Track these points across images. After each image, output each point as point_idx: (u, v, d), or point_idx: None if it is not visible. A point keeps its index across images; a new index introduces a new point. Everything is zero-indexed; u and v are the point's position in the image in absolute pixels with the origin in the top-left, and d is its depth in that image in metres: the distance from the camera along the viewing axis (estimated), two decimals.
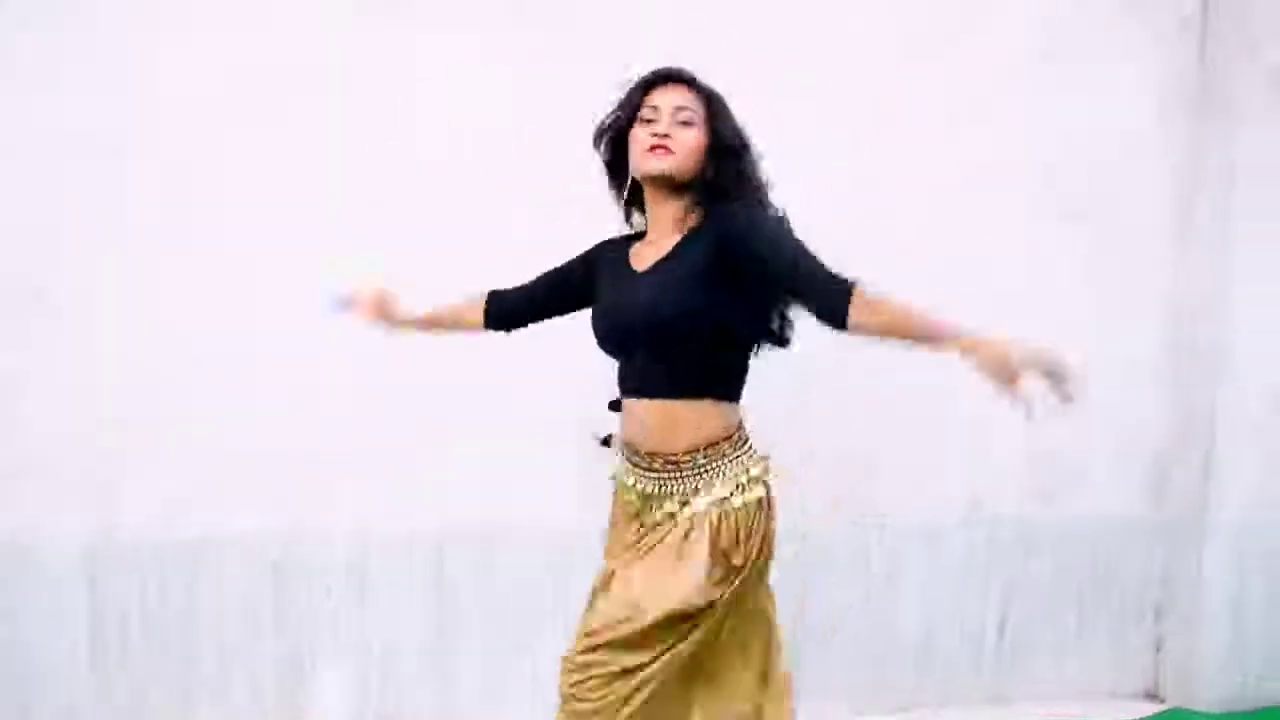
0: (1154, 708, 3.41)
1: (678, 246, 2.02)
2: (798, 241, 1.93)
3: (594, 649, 1.95)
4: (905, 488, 3.30)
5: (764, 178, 2.11)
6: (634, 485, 2.08)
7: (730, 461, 2.01)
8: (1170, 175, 3.39)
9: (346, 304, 2.38)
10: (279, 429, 3.00)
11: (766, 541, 2.05)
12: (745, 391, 2.14)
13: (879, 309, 1.77)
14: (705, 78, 2.14)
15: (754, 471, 2.03)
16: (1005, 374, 1.65)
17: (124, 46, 2.88)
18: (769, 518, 2.04)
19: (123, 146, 2.89)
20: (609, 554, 2.17)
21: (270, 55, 2.94)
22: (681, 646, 1.94)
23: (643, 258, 2.09)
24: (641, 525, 2.08)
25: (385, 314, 2.38)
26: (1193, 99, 3.36)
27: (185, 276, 2.95)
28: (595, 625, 1.98)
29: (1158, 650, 3.53)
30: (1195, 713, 3.35)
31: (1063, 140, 3.31)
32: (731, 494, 2.00)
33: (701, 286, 1.96)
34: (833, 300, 1.78)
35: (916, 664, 3.38)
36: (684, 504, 2.02)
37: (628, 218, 2.21)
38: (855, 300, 1.76)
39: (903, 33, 3.20)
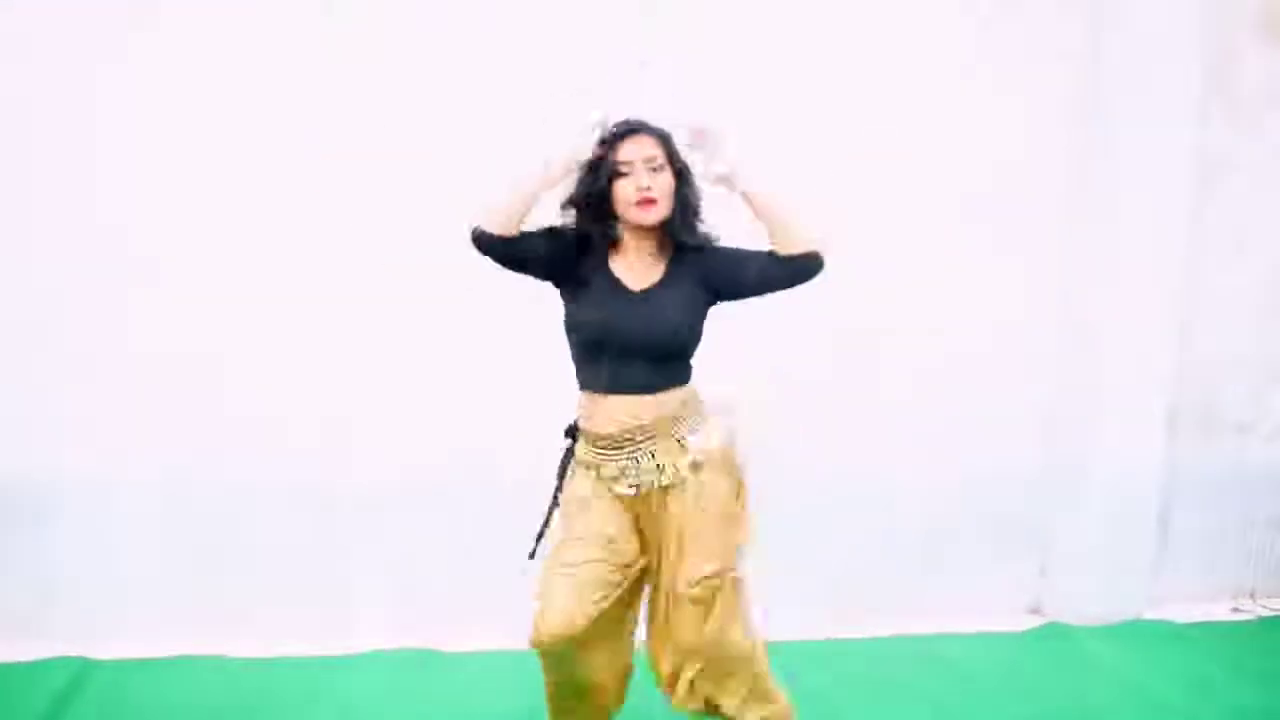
0: (1038, 620, 3.80)
1: (668, 274, 2.39)
2: (750, 250, 2.43)
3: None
4: (830, 441, 3.66)
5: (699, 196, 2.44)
6: (620, 469, 2.40)
7: (696, 424, 2.42)
8: (1060, 185, 3.66)
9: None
10: (323, 386, 3.41)
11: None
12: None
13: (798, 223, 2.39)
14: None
15: (716, 431, 2.45)
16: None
17: (182, 57, 3.24)
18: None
19: (191, 141, 3.26)
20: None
21: (308, 58, 3.28)
22: None
23: (632, 276, 2.39)
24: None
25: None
26: (1079, 120, 3.61)
27: (243, 253, 3.34)
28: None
29: (1041, 574, 3.88)
30: (1070, 624, 3.73)
31: (969, 149, 3.58)
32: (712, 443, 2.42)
33: (691, 308, 2.39)
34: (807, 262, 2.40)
35: (844, 585, 3.72)
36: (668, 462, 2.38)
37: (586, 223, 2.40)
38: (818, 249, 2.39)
39: (834, 63, 3.50)
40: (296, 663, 3.34)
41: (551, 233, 2.40)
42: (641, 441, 2.39)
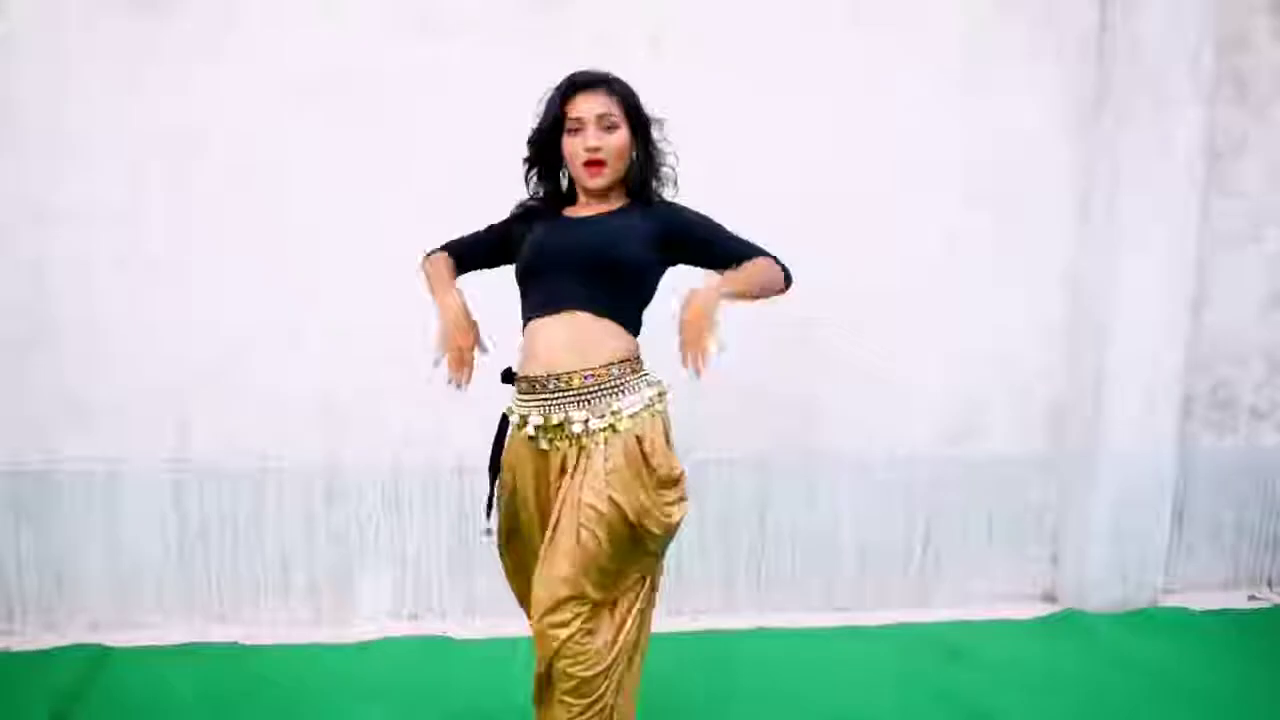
0: (1050, 608, 3.80)
1: (617, 209, 2.29)
2: (720, 224, 2.31)
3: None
4: (842, 431, 3.67)
5: (669, 158, 2.36)
6: (541, 417, 2.20)
7: (632, 384, 2.21)
8: (1070, 170, 3.66)
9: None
10: (328, 375, 3.42)
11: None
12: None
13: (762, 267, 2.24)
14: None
15: (648, 398, 2.22)
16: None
17: (198, 60, 3.28)
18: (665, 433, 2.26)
19: (201, 139, 3.30)
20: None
21: (319, 62, 3.31)
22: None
23: (580, 213, 2.33)
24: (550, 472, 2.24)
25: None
26: (1089, 105, 3.63)
27: (246, 246, 3.36)
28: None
29: (1054, 562, 3.88)
30: (1084, 612, 3.73)
31: (981, 139, 3.59)
32: (640, 411, 2.19)
33: (634, 237, 2.23)
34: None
35: (856, 573, 3.75)
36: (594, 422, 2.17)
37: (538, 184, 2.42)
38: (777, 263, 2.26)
39: (846, 49, 3.52)
40: (308, 650, 3.36)
41: (506, 227, 2.44)
42: (563, 386, 2.19)
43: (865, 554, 3.78)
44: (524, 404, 2.27)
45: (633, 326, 2.30)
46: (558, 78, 2.41)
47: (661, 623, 3.38)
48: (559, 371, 2.19)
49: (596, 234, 2.26)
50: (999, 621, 3.69)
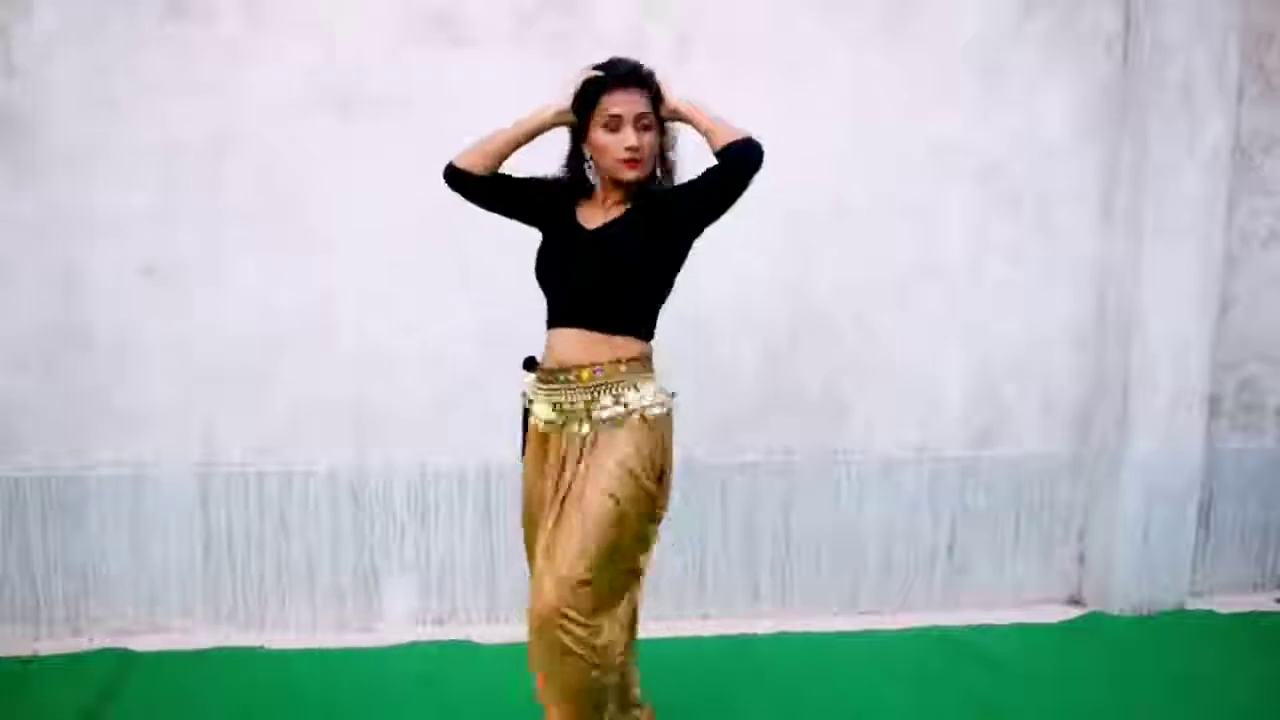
0: (1077, 611, 3.79)
1: (624, 215, 2.34)
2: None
3: None
4: (867, 432, 3.67)
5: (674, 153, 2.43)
6: (552, 404, 2.32)
7: (642, 382, 2.31)
8: (1096, 170, 3.65)
9: None
10: (355, 380, 3.43)
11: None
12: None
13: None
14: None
15: (659, 397, 2.33)
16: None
17: (226, 65, 3.29)
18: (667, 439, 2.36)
19: (230, 144, 3.31)
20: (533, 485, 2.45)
21: (348, 67, 3.33)
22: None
23: (591, 219, 2.38)
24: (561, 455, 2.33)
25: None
26: (1114, 104, 3.62)
27: (275, 251, 3.36)
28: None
29: (1080, 564, 3.87)
30: (1110, 615, 3.72)
31: (1006, 139, 3.59)
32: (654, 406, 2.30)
33: (638, 246, 2.29)
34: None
35: (881, 576, 3.74)
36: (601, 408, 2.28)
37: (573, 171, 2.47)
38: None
39: (871, 50, 3.52)
40: (332, 654, 3.37)
41: (531, 180, 2.48)
42: (572, 380, 2.31)
43: (890, 556, 3.76)
44: (537, 391, 2.41)
45: (645, 330, 2.39)
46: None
47: (684, 626, 3.42)
48: (570, 364, 2.32)
49: (601, 255, 2.31)
50: (1025, 625, 3.67)
